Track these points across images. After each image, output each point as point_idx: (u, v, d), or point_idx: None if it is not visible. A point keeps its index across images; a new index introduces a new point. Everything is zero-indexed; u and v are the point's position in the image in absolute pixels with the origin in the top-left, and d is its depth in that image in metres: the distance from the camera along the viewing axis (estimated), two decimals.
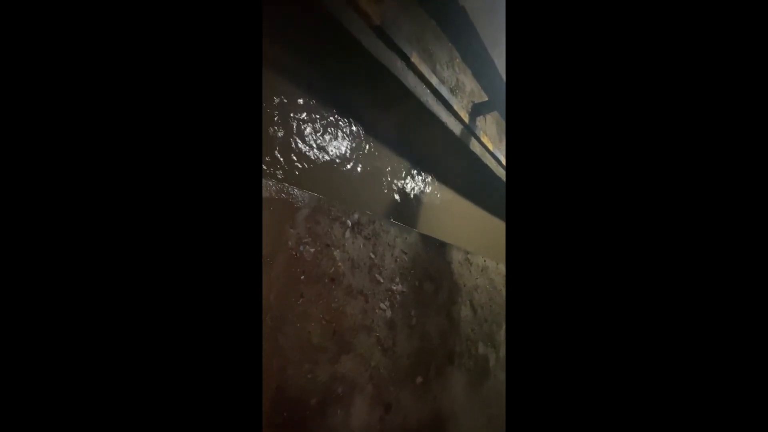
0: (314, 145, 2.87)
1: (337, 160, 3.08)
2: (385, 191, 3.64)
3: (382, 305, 1.74)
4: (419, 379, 1.91)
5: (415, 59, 3.25)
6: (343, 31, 2.71)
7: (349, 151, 3.21)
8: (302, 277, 1.41)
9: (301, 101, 2.85)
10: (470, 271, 2.66)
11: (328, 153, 2.98)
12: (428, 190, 4.35)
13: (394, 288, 1.85)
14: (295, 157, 2.69)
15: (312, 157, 2.83)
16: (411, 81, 3.28)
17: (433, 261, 2.27)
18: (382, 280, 1.78)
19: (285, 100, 2.70)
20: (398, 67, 3.11)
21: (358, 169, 3.31)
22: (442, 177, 4.67)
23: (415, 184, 4.14)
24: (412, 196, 4.03)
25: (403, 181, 3.92)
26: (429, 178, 4.40)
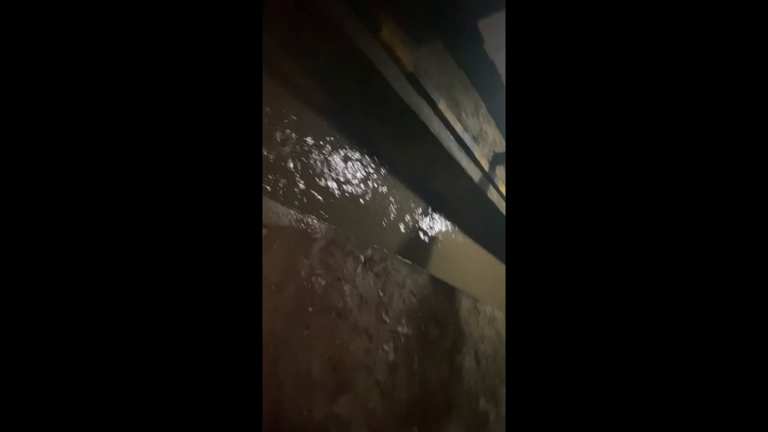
0: (336, 178, 2.95)
1: (357, 193, 3.14)
2: (401, 228, 3.66)
3: (385, 346, 1.71)
4: (415, 429, 1.84)
5: (442, 106, 3.38)
6: (376, 73, 2.86)
7: (369, 186, 3.27)
8: (310, 309, 1.41)
9: (327, 135, 2.96)
10: (477, 320, 2.61)
11: (348, 186, 3.05)
12: (442, 232, 4.36)
13: (400, 330, 1.83)
14: (316, 188, 2.76)
15: (333, 189, 2.90)
16: (436, 126, 3.39)
17: (440, 305, 2.24)
18: (388, 321, 1.77)
19: (311, 132, 2.81)
20: (425, 112, 3.23)
21: (376, 203, 3.37)
22: (457, 220, 4.68)
23: (431, 224, 4.16)
24: (426, 235, 4.04)
25: (419, 220, 3.95)
26: (444, 220, 4.42)
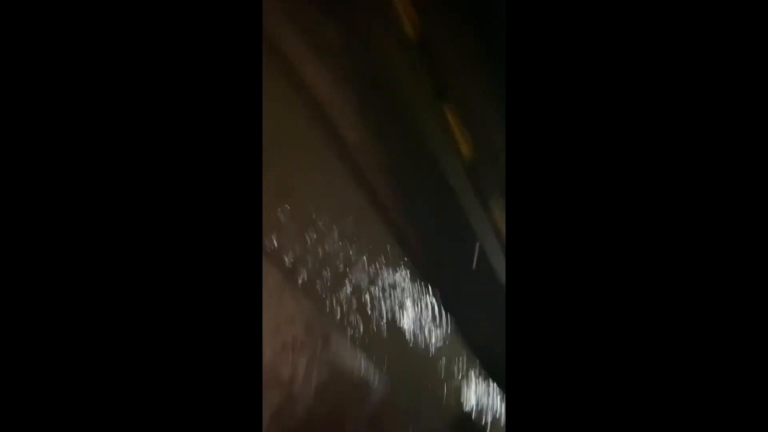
0: (406, 326, 2.88)
1: (422, 347, 3.01)
2: (460, 398, 3.32)
3: None
4: None
5: None
6: (468, 228, 3.01)
7: (433, 341, 3.13)
8: None
9: (413, 287, 3.01)
10: None
11: (415, 337, 2.95)
12: (498, 411, 3.82)
13: None
14: (384, 332, 2.71)
15: (400, 336, 2.82)
16: None
17: None
18: None
19: (393, 276, 2.88)
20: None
21: (439, 363, 3.16)
22: None
23: (493, 405, 3.71)
24: (485, 416, 3.58)
25: (482, 395, 3.56)
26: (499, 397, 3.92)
